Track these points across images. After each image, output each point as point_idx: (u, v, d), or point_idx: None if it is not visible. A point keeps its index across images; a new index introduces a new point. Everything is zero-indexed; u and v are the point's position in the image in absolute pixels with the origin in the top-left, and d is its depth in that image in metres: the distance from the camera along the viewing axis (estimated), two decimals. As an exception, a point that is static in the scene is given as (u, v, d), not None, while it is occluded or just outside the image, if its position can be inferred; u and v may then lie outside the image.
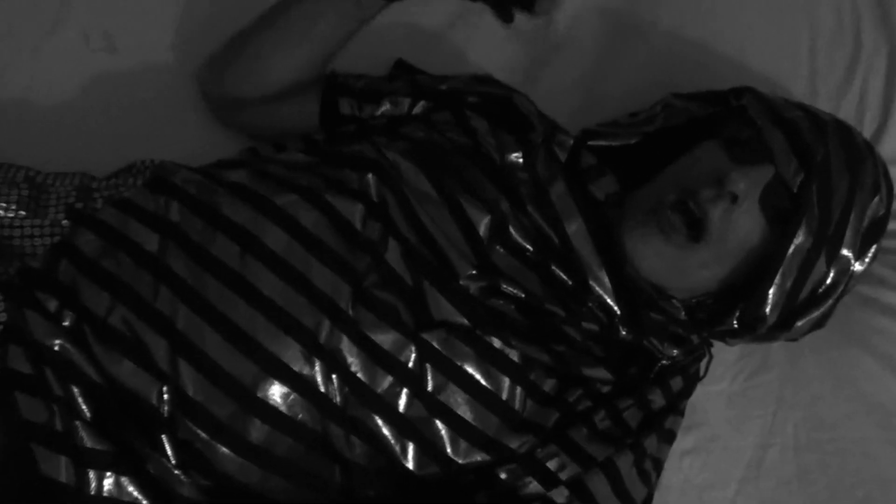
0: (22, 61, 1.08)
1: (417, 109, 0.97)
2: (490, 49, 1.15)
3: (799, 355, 1.03)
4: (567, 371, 0.85)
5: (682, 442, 0.99)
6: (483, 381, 0.81)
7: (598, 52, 1.14)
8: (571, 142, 0.94)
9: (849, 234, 0.87)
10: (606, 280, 0.86)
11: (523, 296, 0.84)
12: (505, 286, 0.83)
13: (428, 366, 0.80)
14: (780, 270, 0.86)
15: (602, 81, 1.14)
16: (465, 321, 0.81)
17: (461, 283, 0.82)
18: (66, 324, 0.78)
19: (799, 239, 0.85)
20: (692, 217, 0.85)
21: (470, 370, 0.81)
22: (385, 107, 0.97)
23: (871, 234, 0.89)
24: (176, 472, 0.76)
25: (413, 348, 0.80)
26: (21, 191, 0.87)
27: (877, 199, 0.88)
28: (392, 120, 0.97)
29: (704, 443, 1.01)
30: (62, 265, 0.80)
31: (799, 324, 0.90)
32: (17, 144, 1.02)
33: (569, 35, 1.15)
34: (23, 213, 0.85)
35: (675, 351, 0.90)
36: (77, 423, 0.75)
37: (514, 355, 0.83)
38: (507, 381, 0.82)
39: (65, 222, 0.85)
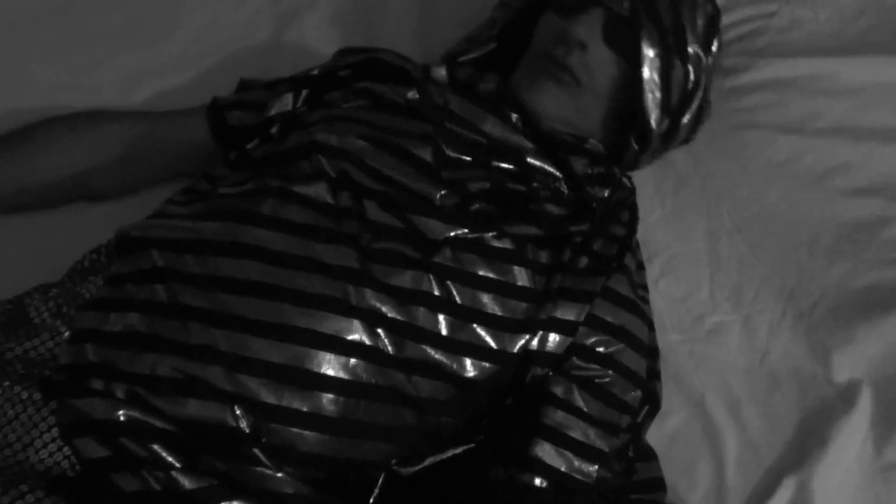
0: None
1: (301, 99, 1.04)
2: (325, 34, 1.23)
3: (702, 160, 1.17)
4: (555, 234, 0.94)
5: (651, 271, 1.11)
6: (497, 276, 0.89)
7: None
8: (444, 65, 1.05)
9: (689, 34, 1.02)
10: (536, 150, 0.97)
11: (488, 184, 0.93)
12: (472, 188, 0.92)
13: (449, 283, 0.87)
14: (645, 83, 1.00)
15: (431, 21, 1.25)
16: (461, 230, 0.89)
17: (438, 203, 0.91)
18: (119, 395, 0.80)
19: (647, 52, 0.99)
20: None
21: (482, 272, 0.89)
22: (273, 109, 1.04)
23: (709, 30, 1.05)
24: (278, 475, 0.80)
25: (430, 276, 0.87)
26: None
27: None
28: (286, 118, 1.03)
29: (667, 263, 1.13)
30: (88, 350, 0.82)
31: (684, 120, 1.05)
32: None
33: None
34: (12, 342, 0.86)
35: (606, 191, 1.01)
36: (173, 473, 0.77)
37: (507, 243, 0.91)
38: (514, 268, 0.90)
39: (59, 323, 0.86)
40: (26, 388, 0.81)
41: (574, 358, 0.92)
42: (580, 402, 0.90)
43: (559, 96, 1.00)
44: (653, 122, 1.02)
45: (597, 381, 0.92)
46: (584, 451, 0.89)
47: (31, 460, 0.78)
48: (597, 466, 0.90)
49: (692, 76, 1.03)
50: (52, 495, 0.75)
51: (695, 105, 1.05)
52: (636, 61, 0.99)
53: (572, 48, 0.98)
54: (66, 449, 0.78)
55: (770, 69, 1.19)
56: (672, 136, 1.06)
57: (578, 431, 0.89)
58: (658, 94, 1.01)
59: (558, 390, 0.90)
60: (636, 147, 1.05)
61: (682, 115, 1.04)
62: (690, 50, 1.02)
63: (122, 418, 0.78)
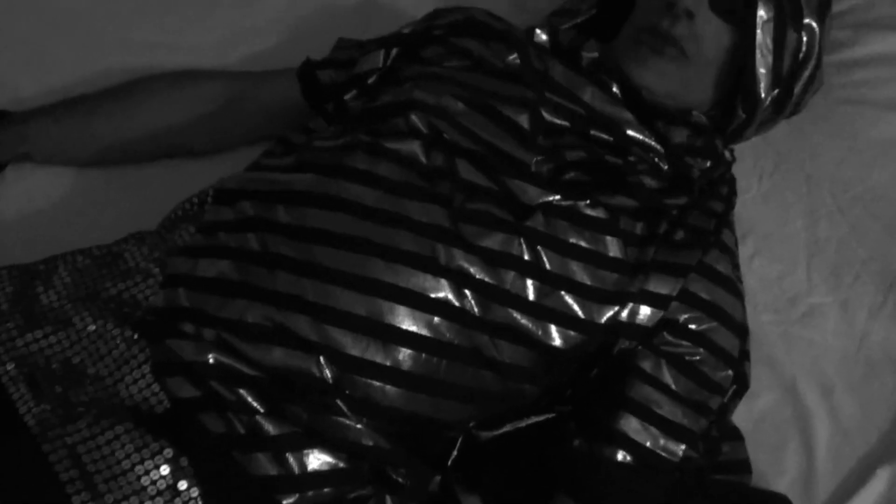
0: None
1: (392, 58, 1.03)
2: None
3: (804, 137, 1.13)
4: (651, 205, 0.91)
5: (744, 250, 1.07)
6: (588, 245, 0.87)
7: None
8: (545, 30, 1.02)
9: (804, 2, 0.98)
10: (636, 121, 0.94)
11: (585, 155, 0.91)
12: (568, 157, 0.91)
13: (539, 248, 0.86)
14: (757, 47, 0.96)
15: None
16: (556, 196, 0.87)
17: (533, 168, 0.89)
18: (208, 340, 0.80)
19: (762, 14, 0.95)
20: None
21: (573, 240, 0.87)
22: (361, 66, 1.04)
23: (825, 1, 1.00)
24: (357, 426, 0.80)
25: (521, 240, 0.85)
26: (95, 262, 0.90)
27: None
28: (381, 73, 1.02)
29: (762, 242, 1.10)
30: (181, 294, 0.83)
31: (796, 90, 1.00)
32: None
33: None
34: (109, 282, 0.87)
35: (707, 163, 0.98)
36: (257, 418, 0.78)
37: (601, 213, 0.89)
38: (606, 238, 0.88)
39: (152, 267, 0.88)
40: (118, 325, 0.83)
41: (665, 333, 0.90)
42: (668, 379, 0.88)
43: (664, 71, 0.97)
44: (762, 89, 0.98)
45: (687, 358, 0.89)
46: (672, 428, 0.87)
47: (121, 395, 0.79)
48: (684, 446, 0.88)
49: (804, 43, 0.98)
50: (140, 428, 0.77)
51: (806, 74, 1.00)
52: (748, 23, 0.96)
53: (679, 18, 0.95)
54: (154, 386, 0.80)
55: (880, 44, 1.14)
56: (782, 105, 1.02)
57: (666, 409, 0.87)
58: (770, 59, 0.97)
59: (646, 365, 0.89)
60: (743, 116, 1.01)
61: (794, 83, 1.00)
62: (806, 20, 0.98)
63: (211, 361, 0.79)
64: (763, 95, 0.99)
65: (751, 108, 1.00)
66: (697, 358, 0.90)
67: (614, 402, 0.88)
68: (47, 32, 1.20)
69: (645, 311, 0.89)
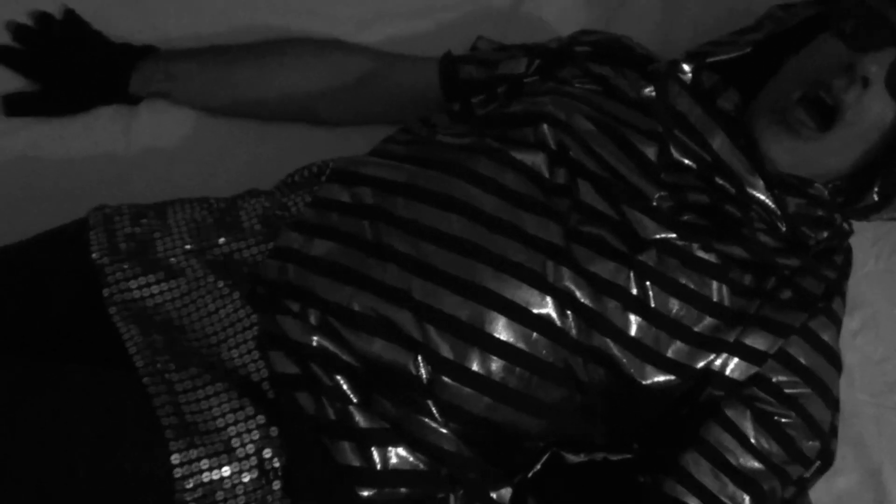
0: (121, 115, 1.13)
1: (534, 68, 1.03)
2: (563, 12, 1.22)
3: (933, 223, 1.10)
4: (762, 261, 0.90)
5: (850, 324, 1.04)
6: (695, 288, 0.86)
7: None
8: (691, 66, 0.99)
9: None
10: (761, 183, 0.92)
11: (707, 199, 0.89)
12: (689, 198, 0.89)
13: (648, 284, 0.85)
14: None
15: (676, 18, 1.21)
16: (672, 235, 0.87)
17: (654, 203, 0.88)
18: (312, 321, 0.81)
19: None
20: (822, 106, 0.90)
21: (683, 280, 0.86)
22: (503, 69, 1.03)
23: None
24: (441, 430, 0.80)
25: (631, 273, 0.85)
26: (212, 215, 0.91)
27: None
28: (514, 81, 1.02)
29: (870, 320, 1.07)
30: (290, 269, 0.84)
31: None
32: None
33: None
34: (223, 239, 0.89)
35: (824, 233, 0.96)
36: (350, 407, 0.78)
37: (712, 258, 0.88)
38: (714, 283, 0.87)
39: (265, 231, 0.89)
40: (228, 285, 0.84)
41: (755, 388, 0.88)
42: (749, 431, 0.87)
43: (795, 147, 0.92)
44: None
45: (776, 418, 0.88)
46: (741, 479, 0.85)
47: (222, 356, 0.81)
48: (749, 498, 0.85)
49: None
50: (237, 390, 0.78)
51: None
52: None
53: (855, 82, 0.88)
54: (254, 353, 0.80)
55: None
56: None
57: (739, 459, 0.86)
58: None
59: (730, 412, 0.87)
60: (876, 199, 0.96)
61: None
62: None
63: (314, 344, 0.80)
64: None
65: (889, 192, 0.95)
66: (788, 420, 0.88)
67: (686, 439, 0.87)
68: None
69: (738, 363, 0.88)
